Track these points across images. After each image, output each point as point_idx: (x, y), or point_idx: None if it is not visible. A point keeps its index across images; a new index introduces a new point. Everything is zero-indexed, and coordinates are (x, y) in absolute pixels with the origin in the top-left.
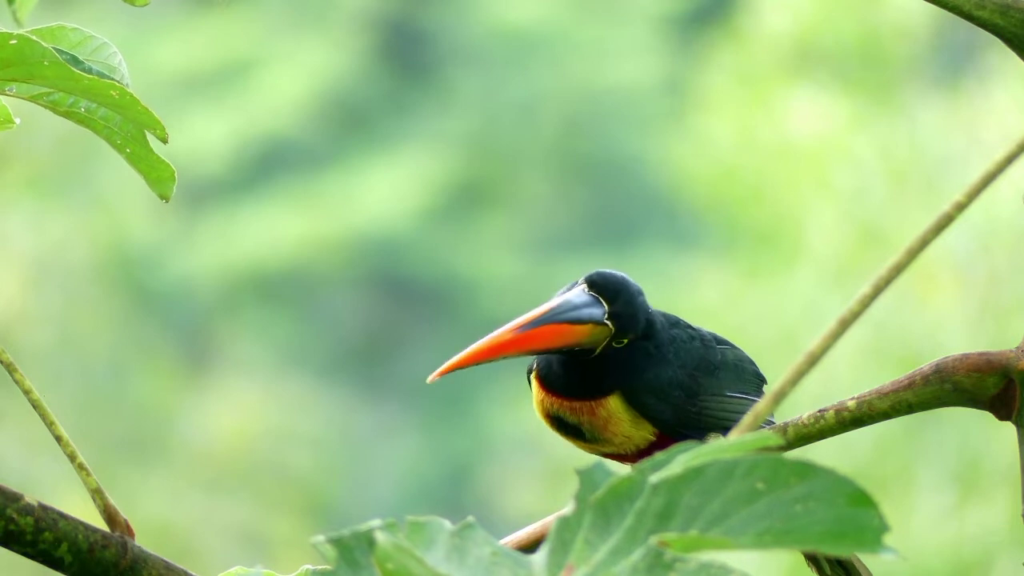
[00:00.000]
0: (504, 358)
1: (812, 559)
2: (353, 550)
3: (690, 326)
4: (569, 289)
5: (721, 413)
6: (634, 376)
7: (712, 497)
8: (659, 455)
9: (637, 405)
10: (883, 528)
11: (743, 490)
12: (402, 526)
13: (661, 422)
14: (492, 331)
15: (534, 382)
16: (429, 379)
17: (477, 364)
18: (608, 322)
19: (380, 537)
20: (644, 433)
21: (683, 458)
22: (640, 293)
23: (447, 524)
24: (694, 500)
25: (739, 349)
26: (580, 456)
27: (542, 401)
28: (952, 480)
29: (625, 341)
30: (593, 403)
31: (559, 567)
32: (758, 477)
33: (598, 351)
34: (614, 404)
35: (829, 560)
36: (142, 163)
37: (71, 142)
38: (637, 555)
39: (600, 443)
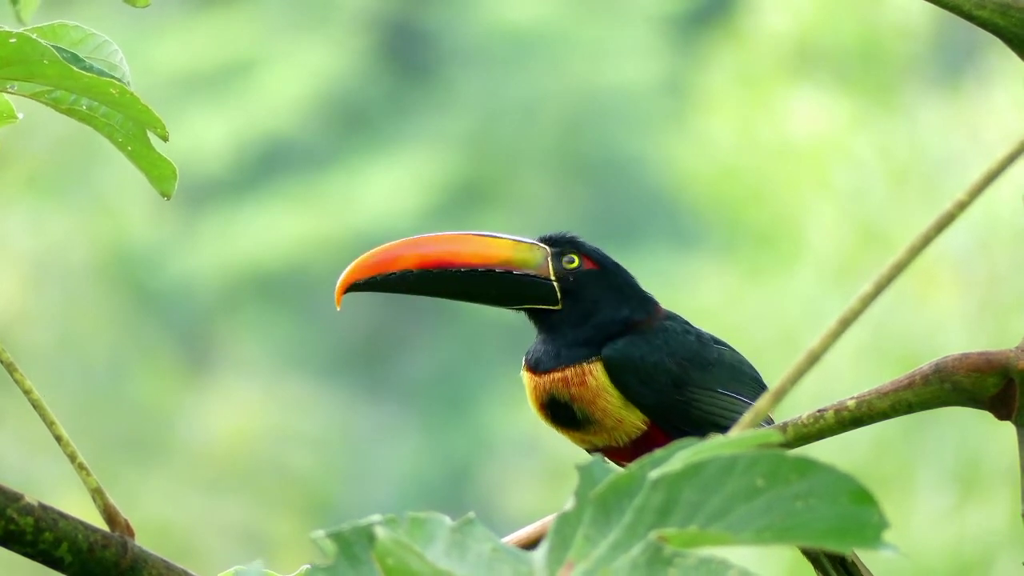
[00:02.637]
0: (414, 279)
1: (814, 560)
2: (353, 545)
3: (688, 323)
4: None
5: (712, 408)
6: (613, 332)
7: (712, 493)
8: (659, 452)
9: (621, 384)
10: (883, 525)
11: (743, 486)
12: (402, 522)
13: (646, 407)
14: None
15: (524, 372)
16: (338, 307)
17: (377, 278)
18: (539, 243)
19: (380, 532)
20: (634, 419)
21: (683, 454)
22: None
23: (447, 520)
24: (694, 496)
25: (740, 354)
26: (580, 455)
27: (534, 388)
28: (952, 480)
29: (576, 261)
30: (582, 369)
31: (559, 563)
32: (758, 473)
33: (559, 293)
34: (600, 376)
35: (831, 558)
36: (143, 161)
37: (71, 142)
38: (637, 550)
39: (592, 427)
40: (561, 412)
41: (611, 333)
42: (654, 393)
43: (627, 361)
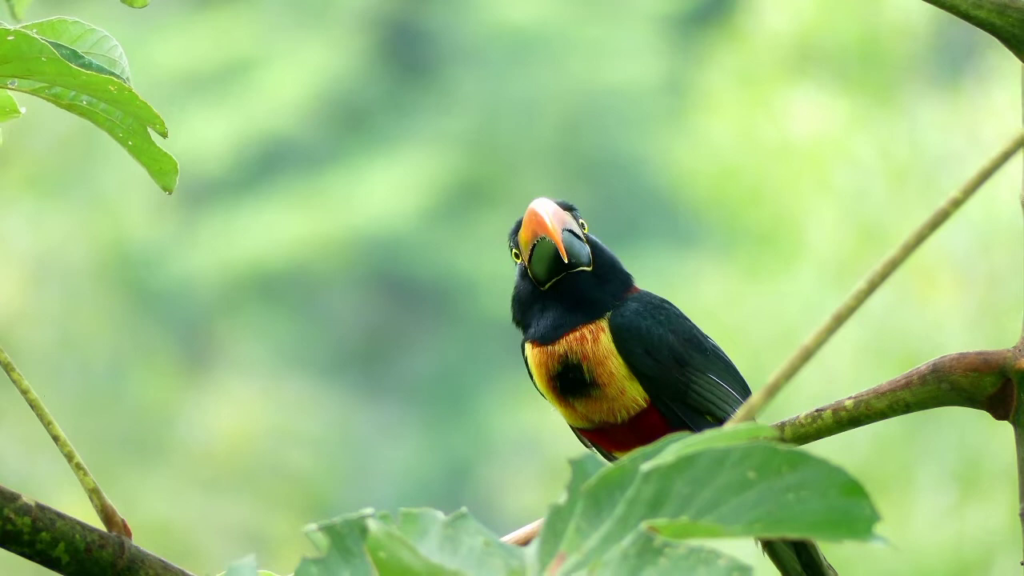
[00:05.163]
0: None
1: (773, 554)
2: (345, 538)
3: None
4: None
5: (708, 395)
6: (614, 293)
7: (703, 485)
8: (650, 445)
9: (626, 351)
10: (874, 518)
11: (735, 478)
12: (395, 516)
13: (648, 380)
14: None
15: (530, 350)
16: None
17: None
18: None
19: (373, 525)
20: (635, 393)
21: (675, 447)
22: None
23: (440, 515)
24: (685, 488)
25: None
26: (577, 451)
27: (547, 358)
28: (952, 480)
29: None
30: (597, 326)
31: (551, 555)
32: (750, 466)
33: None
34: (608, 340)
35: (795, 549)
36: (144, 156)
37: (71, 142)
38: (627, 541)
39: (597, 393)
40: (571, 374)
41: (607, 301)
42: (657, 365)
43: (634, 330)
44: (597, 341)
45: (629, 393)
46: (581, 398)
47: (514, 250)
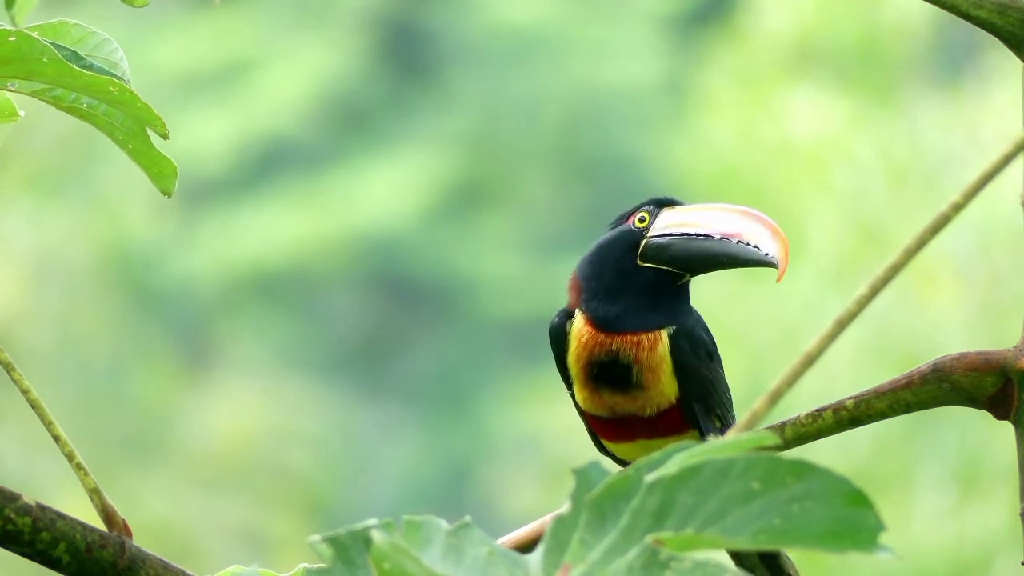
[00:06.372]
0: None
1: (737, 557)
2: (349, 549)
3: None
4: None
5: (720, 390)
6: (684, 315)
7: (708, 496)
8: (655, 455)
9: (677, 349)
10: (879, 527)
11: (739, 489)
12: (399, 526)
13: (685, 374)
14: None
15: (581, 323)
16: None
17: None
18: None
19: (377, 536)
20: (671, 392)
21: (679, 457)
22: None
23: (443, 524)
24: (690, 499)
25: None
26: (579, 455)
27: (596, 344)
28: (952, 480)
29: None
30: (656, 335)
31: (555, 566)
32: (754, 477)
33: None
34: (662, 348)
35: (764, 558)
36: (144, 159)
37: (71, 141)
38: (632, 554)
39: (634, 392)
40: (614, 371)
41: (670, 316)
42: (695, 362)
43: (686, 330)
44: (653, 350)
45: (666, 392)
46: (618, 392)
47: (642, 215)
